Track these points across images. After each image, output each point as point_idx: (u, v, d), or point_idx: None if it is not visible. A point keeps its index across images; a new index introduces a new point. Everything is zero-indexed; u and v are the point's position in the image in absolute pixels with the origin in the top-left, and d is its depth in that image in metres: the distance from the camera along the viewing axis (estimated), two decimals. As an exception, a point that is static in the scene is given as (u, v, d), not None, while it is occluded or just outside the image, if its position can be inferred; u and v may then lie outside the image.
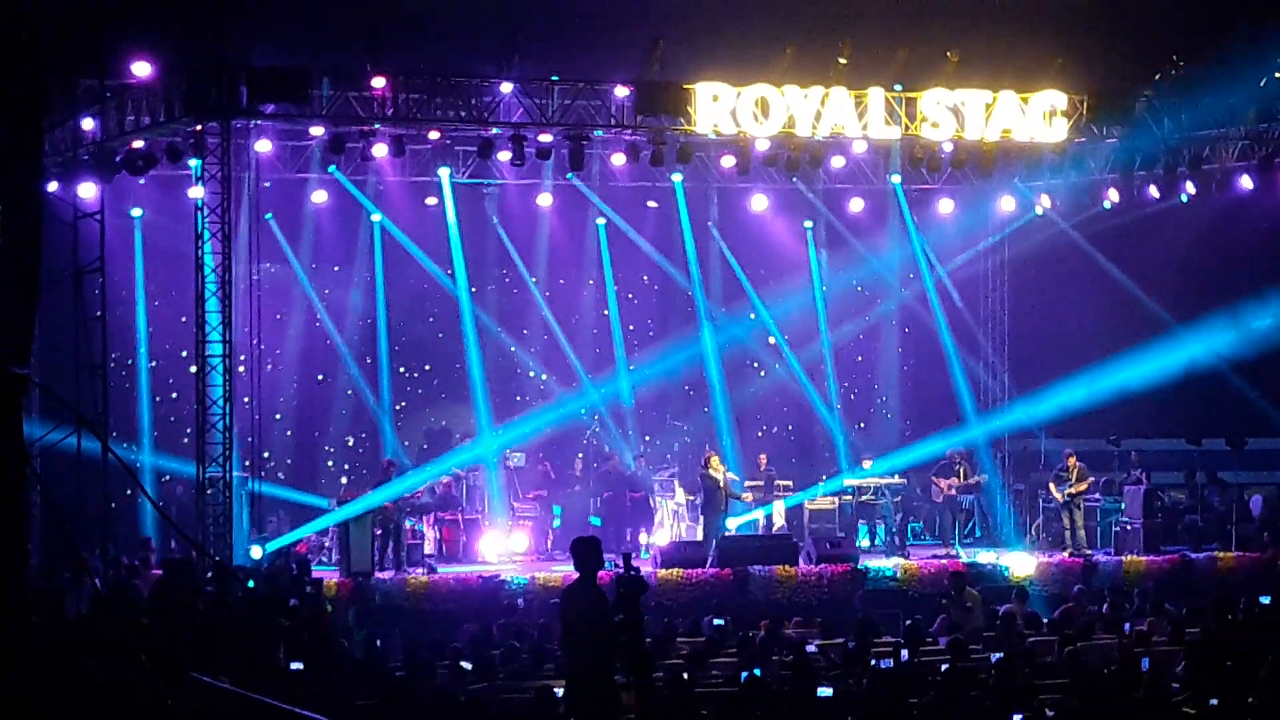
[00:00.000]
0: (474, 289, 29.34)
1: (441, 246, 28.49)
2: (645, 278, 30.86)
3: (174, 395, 27.69)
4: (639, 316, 31.12)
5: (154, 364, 27.72)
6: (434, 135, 25.20)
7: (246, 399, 23.77)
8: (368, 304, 29.00)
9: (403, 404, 30.16)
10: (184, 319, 24.79)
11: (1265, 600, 20.59)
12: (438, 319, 29.85)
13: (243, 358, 23.55)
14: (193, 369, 23.09)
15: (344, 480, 28.49)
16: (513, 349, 30.17)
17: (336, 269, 29.20)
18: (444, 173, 27.13)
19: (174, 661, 12.06)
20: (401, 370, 29.85)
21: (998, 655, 17.18)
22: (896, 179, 28.68)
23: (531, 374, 30.35)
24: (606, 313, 30.44)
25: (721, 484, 25.27)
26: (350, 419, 29.38)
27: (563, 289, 30.66)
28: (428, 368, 30.19)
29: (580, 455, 28.59)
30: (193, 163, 23.38)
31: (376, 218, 28.24)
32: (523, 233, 29.68)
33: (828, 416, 30.41)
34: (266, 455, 26.50)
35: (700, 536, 25.61)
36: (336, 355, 28.98)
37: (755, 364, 31.59)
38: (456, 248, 28.13)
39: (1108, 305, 29.20)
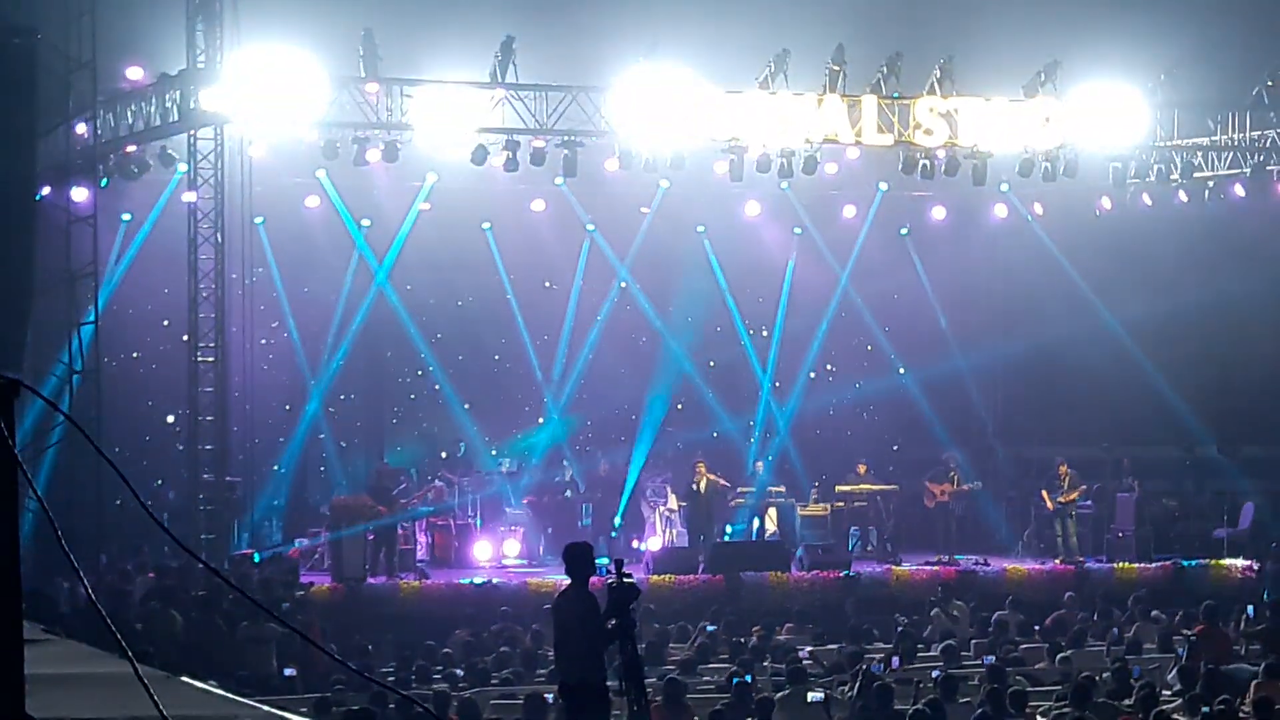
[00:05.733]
0: (471, 298, 29.31)
1: (433, 251, 28.47)
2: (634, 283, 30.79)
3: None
4: (637, 323, 31.02)
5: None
6: (429, 141, 25.14)
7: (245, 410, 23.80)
8: (358, 307, 28.88)
9: (397, 409, 30.14)
10: (166, 323, 24.73)
11: (1250, 611, 20.65)
12: (428, 324, 29.74)
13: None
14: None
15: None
16: (496, 356, 30.23)
17: (328, 272, 29.09)
18: (430, 177, 27.06)
19: (165, 666, 12.04)
20: (400, 380, 29.83)
21: (989, 659, 17.21)
22: (884, 186, 28.70)
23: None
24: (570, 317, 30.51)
25: (702, 492, 25.13)
26: (342, 423, 29.30)
27: (554, 294, 30.64)
28: (420, 373, 30.13)
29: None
30: (184, 167, 23.40)
31: (366, 222, 28.20)
32: (513, 237, 29.61)
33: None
34: (259, 440, 26.32)
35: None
36: (329, 359, 28.90)
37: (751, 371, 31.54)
38: (396, 246, 28.10)
39: (1100, 312, 29.15)
